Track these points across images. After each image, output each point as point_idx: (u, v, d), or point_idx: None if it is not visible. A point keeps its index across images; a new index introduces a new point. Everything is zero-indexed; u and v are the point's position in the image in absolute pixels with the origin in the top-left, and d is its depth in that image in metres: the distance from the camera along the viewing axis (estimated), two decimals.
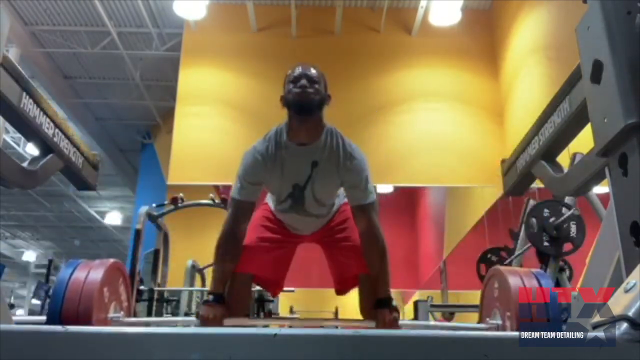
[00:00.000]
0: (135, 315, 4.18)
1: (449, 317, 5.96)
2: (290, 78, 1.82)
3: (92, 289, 1.80)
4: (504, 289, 1.77)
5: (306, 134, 1.80)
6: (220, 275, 1.87)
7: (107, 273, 1.90)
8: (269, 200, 2.10)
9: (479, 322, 1.97)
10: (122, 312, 2.01)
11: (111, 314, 1.94)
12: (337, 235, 2.00)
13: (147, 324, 2.85)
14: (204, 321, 1.79)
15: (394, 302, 1.83)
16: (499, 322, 1.80)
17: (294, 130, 1.81)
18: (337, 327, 2.28)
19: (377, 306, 1.82)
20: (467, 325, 2.33)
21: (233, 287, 1.95)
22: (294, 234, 2.05)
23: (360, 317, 2.01)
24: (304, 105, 1.76)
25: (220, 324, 1.80)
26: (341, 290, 2.09)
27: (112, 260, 1.98)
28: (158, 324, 2.90)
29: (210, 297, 1.84)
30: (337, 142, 1.81)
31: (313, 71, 1.82)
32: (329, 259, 2.07)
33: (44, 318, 1.86)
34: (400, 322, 1.83)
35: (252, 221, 2.05)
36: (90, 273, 1.84)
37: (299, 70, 1.81)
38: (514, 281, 1.71)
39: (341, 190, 2.02)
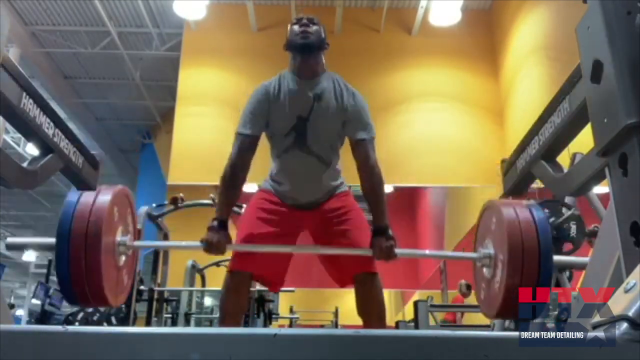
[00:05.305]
0: (135, 315, 4.18)
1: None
2: (293, 21, 1.99)
3: (102, 208, 1.74)
4: (499, 222, 1.91)
5: (309, 69, 1.94)
6: (225, 203, 1.92)
7: (116, 195, 1.85)
8: (268, 181, 2.07)
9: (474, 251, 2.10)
10: (129, 236, 1.95)
11: (119, 238, 1.89)
12: (335, 228, 1.97)
13: None
14: (208, 245, 1.82)
15: (390, 232, 1.90)
16: (491, 251, 1.96)
17: (297, 68, 1.94)
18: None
19: (375, 234, 1.89)
20: None
21: (231, 285, 1.94)
22: (292, 219, 1.99)
23: (359, 320, 1.98)
24: (306, 43, 1.91)
25: (223, 249, 1.84)
26: (343, 285, 2.06)
27: (120, 185, 1.94)
28: None
29: (215, 222, 1.86)
30: (338, 81, 1.96)
31: (312, 17, 2.00)
32: (324, 256, 2.04)
33: (53, 240, 1.74)
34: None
35: (248, 213, 2.03)
36: (99, 194, 1.79)
37: (300, 15, 2.01)
38: (507, 213, 1.85)
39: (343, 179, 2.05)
